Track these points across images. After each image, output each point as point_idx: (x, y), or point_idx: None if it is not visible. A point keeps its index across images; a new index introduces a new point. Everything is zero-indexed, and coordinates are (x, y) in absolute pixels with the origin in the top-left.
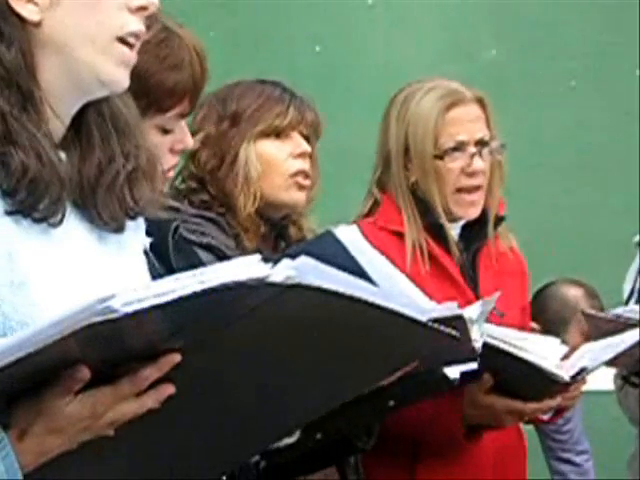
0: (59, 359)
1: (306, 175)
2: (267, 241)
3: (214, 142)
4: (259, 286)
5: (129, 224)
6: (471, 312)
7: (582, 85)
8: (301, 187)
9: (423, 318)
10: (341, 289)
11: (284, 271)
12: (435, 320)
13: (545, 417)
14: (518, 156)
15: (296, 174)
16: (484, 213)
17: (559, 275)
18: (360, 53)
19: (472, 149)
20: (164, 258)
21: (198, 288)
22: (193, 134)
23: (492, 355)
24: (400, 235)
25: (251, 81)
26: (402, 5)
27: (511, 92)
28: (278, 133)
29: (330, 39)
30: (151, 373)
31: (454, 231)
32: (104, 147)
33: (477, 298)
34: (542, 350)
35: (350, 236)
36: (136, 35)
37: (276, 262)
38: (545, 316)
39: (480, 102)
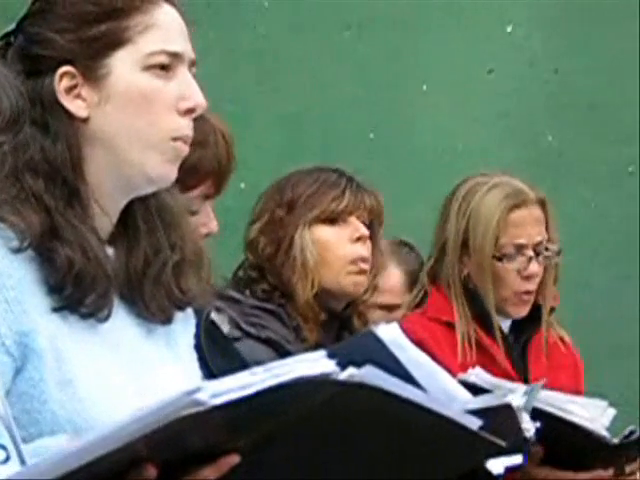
0: (125, 459)
1: (365, 259)
2: (330, 332)
3: (270, 230)
4: (324, 383)
5: (178, 315)
6: (518, 400)
7: None
8: (361, 271)
9: (474, 426)
10: (399, 392)
11: (348, 370)
12: (483, 410)
13: None
14: (575, 243)
15: (355, 260)
16: (536, 308)
17: (612, 362)
18: (415, 140)
19: (530, 253)
20: (198, 346)
21: (275, 382)
22: (252, 224)
23: (540, 419)
24: (450, 325)
25: (309, 168)
26: (457, 91)
27: (568, 179)
28: (335, 218)
29: (384, 126)
30: (210, 474)
31: (504, 323)
32: (150, 239)
33: None
34: (590, 413)
35: (391, 334)
36: (184, 140)
37: (339, 363)
38: None
39: (542, 203)
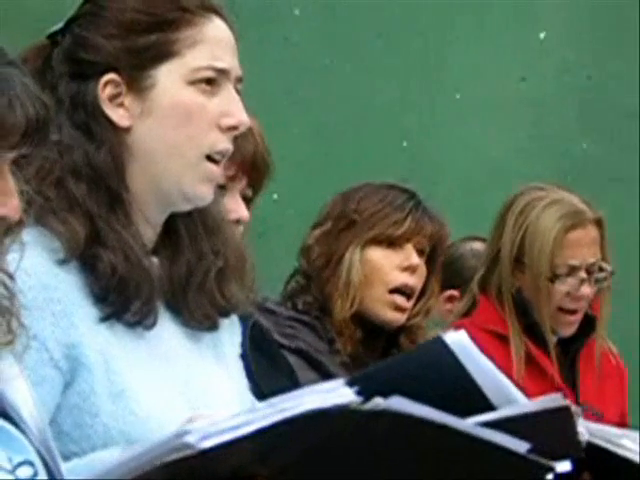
0: None
1: (408, 296)
2: (374, 348)
3: (326, 240)
4: (344, 412)
5: (224, 323)
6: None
7: None
8: (398, 308)
9: (521, 449)
10: (430, 417)
11: (374, 401)
12: (540, 413)
13: None
14: (614, 252)
15: (397, 290)
16: (587, 319)
17: None
18: (448, 148)
19: (582, 274)
20: (243, 355)
21: (278, 418)
22: (314, 228)
23: (589, 451)
24: (499, 335)
25: (380, 184)
26: (490, 100)
27: (602, 187)
28: (391, 242)
29: (417, 134)
30: None
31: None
32: (193, 247)
33: (577, 400)
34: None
35: (459, 342)
36: (223, 154)
37: (364, 388)
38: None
39: (598, 223)
